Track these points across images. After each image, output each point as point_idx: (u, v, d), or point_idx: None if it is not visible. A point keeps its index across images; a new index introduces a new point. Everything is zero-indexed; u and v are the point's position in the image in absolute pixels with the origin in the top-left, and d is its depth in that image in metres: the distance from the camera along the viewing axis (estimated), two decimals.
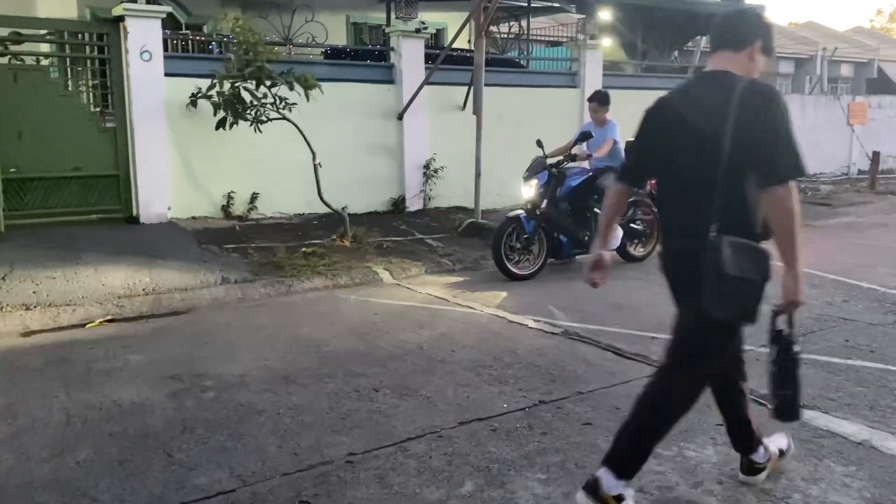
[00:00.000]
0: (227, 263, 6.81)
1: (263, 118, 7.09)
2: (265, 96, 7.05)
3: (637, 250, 7.76)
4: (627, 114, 11.84)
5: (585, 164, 7.41)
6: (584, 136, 7.22)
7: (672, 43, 13.73)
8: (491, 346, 4.82)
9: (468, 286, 6.69)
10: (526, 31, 12.89)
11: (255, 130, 7.11)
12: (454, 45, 9.67)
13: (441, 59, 8.92)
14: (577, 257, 7.41)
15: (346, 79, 9.13)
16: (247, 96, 7.26)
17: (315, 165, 7.39)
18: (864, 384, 4.06)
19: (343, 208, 7.85)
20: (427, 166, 9.65)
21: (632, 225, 7.60)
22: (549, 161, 7.09)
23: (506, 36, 13.64)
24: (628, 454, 2.65)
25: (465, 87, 9.37)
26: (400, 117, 9.39)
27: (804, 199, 12.47)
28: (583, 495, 2.61)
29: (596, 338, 4.98)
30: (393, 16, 12.30)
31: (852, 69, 28.29)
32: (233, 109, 6.90)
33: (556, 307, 5.89)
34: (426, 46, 9.92)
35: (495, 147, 9.29)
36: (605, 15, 12.19)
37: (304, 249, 7.35)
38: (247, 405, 3.86)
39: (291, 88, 6.94)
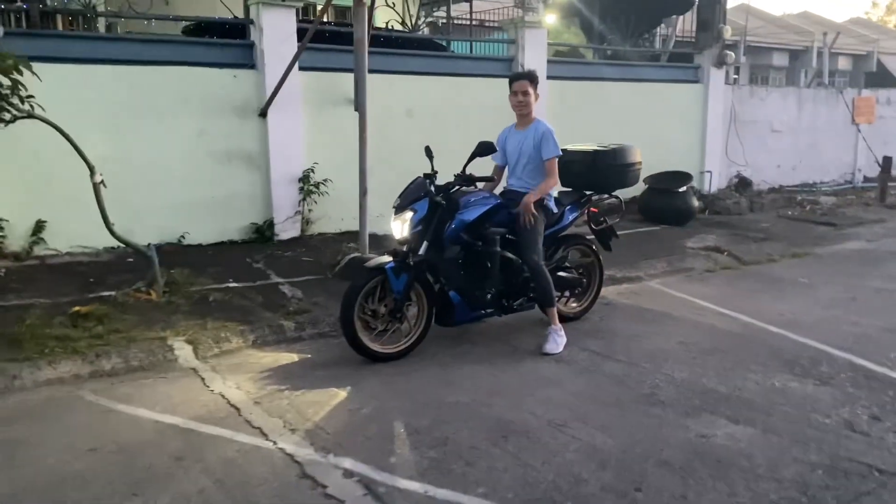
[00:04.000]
0: None
1: (5, 116, 4.70)
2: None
3: (569, 306, 5.46)
4: (580, 111, 9.58)
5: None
6: (485, 150, 4.77)
7: (638, 25, 11.32)
8: None
9: (298, 376, 4.39)
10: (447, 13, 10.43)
11: None
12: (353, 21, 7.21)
13: (311, 34, 6.49)
14: (482, 320, 5.10)
15: (184, 61, 6.69)
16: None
17: (95, 185, 5.03)
18: None
19: (149, 245, 5.46)
20: (305, 179, 7.21)
21: (560, 273, 5.25)
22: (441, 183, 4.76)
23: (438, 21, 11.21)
24: None
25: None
26: (263, 114, 6.97)
27: (802, 216, 10.19)
28: None
29: None
30: None
31: (850, 62, 26.14)
32: None
33: (408, 429, 3.61)
34: (301, 19, 7.50)
35: (402, 152, 6.87)
36: None
37: (77, 309, 5.00)
38: None
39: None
